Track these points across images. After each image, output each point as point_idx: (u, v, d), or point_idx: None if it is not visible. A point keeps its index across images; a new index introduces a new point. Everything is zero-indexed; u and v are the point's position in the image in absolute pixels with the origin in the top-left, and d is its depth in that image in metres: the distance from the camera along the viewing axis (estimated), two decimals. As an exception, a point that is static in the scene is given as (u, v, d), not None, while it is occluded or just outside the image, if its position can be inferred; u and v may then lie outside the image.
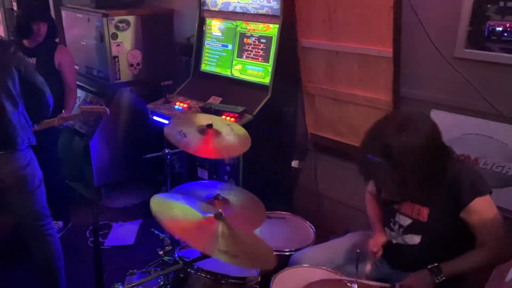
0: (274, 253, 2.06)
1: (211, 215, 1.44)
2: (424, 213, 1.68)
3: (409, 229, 1.73)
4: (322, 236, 2.36)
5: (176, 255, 1.76)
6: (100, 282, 2.27)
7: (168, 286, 1.73)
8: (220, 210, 1.42)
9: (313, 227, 2.31)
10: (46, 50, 3.00)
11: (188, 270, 1.57)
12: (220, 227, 1.39)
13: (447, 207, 1.63)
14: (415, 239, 1.72)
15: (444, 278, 1.60)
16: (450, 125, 2.27)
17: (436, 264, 1.62)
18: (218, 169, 3.08)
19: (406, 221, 1.74)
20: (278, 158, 3.10)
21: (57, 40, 3.22)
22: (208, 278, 1.55)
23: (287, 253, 2.08)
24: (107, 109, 2.70)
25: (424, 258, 1.66)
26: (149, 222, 3.33)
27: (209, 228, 1.40)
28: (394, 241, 1.79)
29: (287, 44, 2.81)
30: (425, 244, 1.70)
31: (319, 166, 3.06)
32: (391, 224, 1.80)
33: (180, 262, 1.63)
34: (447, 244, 1.66)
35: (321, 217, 3.01)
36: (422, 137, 1.51)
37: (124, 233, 3.27)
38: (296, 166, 3.12)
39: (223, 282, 1.53)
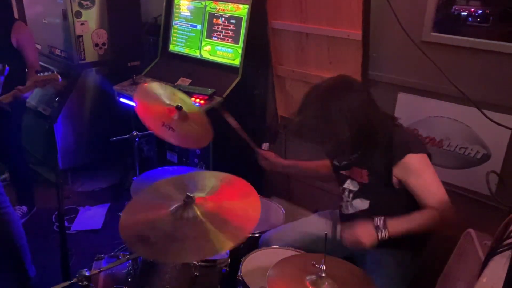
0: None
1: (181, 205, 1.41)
2: (364, 175, 1.74)
3: (357, 194, 1.80)
4: (291, 218, 2.39)
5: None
6: (66, 268, 2.22)
7: (137, 270, 1.71)
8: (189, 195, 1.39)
9: (283, 209, 2.33)
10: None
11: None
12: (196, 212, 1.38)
13: (382, 165, 1.68)
14: (364, 203, 1.79)
15: (388, 235, 1.58)
16: (417, 108, 2.32)
17: (380, 217, 1.62)
18: (188, 153, 3.04)
19: (355, 186, 1.81)
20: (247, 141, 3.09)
21: (15, 16, 3.06)
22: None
23: (257, 235, 2.10)
24: (58, 76, 2.61)
25: None
26: (117, 206, 3.28)
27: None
28: (346, 212, 1.85)
29: (257, 25, 2.78)
30: (374, 209, 1.75)
31: (288, 148, 3.07)
32: (343, 192, 1.87)
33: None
34: (396, 211, 1.65)
35: (291, 199, 3.04)
36: (350, 102, 1.60)
37: (92, 217, 3.20)
38: (266, 148, 3.11)
39: (193, 265, 1.53)
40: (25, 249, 2.40)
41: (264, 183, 3.24)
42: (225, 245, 1.30)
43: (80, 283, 1.25)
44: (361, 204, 1.80)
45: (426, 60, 2.14)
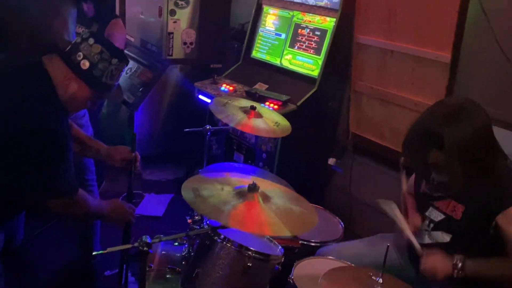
0: (300, 242, 2.07)
1: (245, 187, 1.45)
2: (459, 210, 1.61)
3: (440, 226, 1.67)
4: (350, 237, 2.32)
5: (204, 223, 1.78)
6: (127, 235, 2.30)
7: (192, 254, 1.75)
8: (254, 182, 1.42)
9: (342, 223, 2.28)
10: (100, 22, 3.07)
11: (215, 238, 1.58)
12: (259, 198, 1.40)
13: (484, 207, 1.55)
14: (444, 237, 1.66)
15: (463, 275, 1.49)
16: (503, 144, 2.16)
17: (461, 256, 1.52)
18: (254, 155, 3.09)
19: (438, 217, 1.68)
20: (315, 152, 3.07)
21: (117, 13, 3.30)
22: (233, 248, 1.56)
23: (312, 244, 2.07)
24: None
25: None
26: (180, 198, 3.38)
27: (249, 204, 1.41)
28: (421, 241, 1.72)
29: (341, 39, 2.78)
30: (454, 245, 1.62)
31: (355, 167, 3.00)
32: (422, 220, 1.75)
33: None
34: (477, 251, 1.56)
35: (351, 219, 2.96)
36: (476, 129, 1.46)
37: (155, 204, 3.34)
38: (332, 164, 3.08)
39: (247, 254, 1.54)
40: (96, 228, 2.52)
41: (325, 198, 3.20)
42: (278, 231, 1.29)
43: (140, 248, 1.30)
44: (441, 236, 1.67)
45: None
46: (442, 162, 1.51)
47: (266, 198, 1.46)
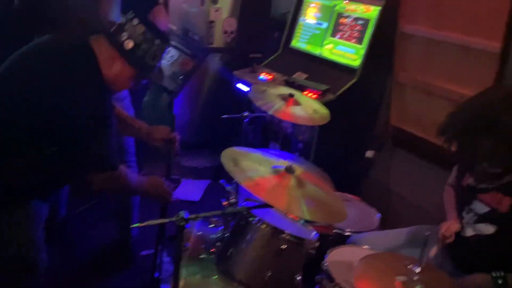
0: (334, 231, 2.05)
1: (282, 168, 1.45)
2: (505, 203, 1.54)
3: (484, 218, 1.61)
4: (386, 229, 2.28)
5: (239, 205, 1.79)
6: (163, 230, 2.35)
7: (227, 234, 1.76)
8: (292, 165, 1.41)
9: (378, 214, 2.24)
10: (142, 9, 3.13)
11: (250, 219, 1.59)
12: (292, 181, 1.40)
13: None
14: (489, 228, 1.59)
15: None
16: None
17: (501, 274, 1.45)
18: (290, 145, 3.07)
19: (483, 209, 1.61)
20: (352, 144, 3.02)
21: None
22: (267, 230, 1.56)
23: (347, 234, 2.04)
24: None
25: (492, 256, 1.53)
26: (217, 185, 3.42)
27: (281, 182, 1.41)
28: (463, 234, 1.67)
29: (385, 29, 2.71)
30: (499, 237, 1.56)
31: (394, 161, 2.93)
32: (464, 212, 1.69)
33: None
34: None
35: (388, 212, 2.89)
36: None
37: (192, 189, 3.39)
38: (370, 156, 3.03)
39: (281, 237, 1.54)
40: (134, 210, 2.59)
41: (362, 190, 3.14)
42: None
43: (177, 222, 1.32)
44: (486, 228, 1.61)
45: None
46: (495, 151, 1.44)
47: (300, 182, 1.45)
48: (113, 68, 1.58)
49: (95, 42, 1.61)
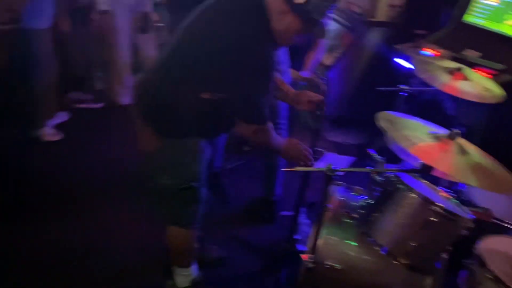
0: (492, 220, 1.85)
1: (445, 134, 1.35)
2: None
3: None
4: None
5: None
6: (302, 194, 2.40)
7: (370, 202, 1.73)
8: (455, 129, 1.31)
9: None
10: None
11: (398, 186, 1.52)
12: (455, 147, 1.30)
13: None
14: None
15: None
16: None
17: None
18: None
19: None
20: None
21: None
22: (417, 199, 1.48)
23: (505, 225, 1.83)
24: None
25: None
26: (361, 163, 3.34)
27: (443, 147, 1.33)
28: None
29: None
30: None
31: None
32: None
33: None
34: None
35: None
36: None
37: (335, 162, 3.37)
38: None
39: (432, 208, 1.44)
40: (279, 172, 2.72)
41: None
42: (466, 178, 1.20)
43: (328, 173, 1.35)
44: None
45: None
46: None
47: (462, 150, 1.34)
48: (283, 21, 1.64)
49: None
